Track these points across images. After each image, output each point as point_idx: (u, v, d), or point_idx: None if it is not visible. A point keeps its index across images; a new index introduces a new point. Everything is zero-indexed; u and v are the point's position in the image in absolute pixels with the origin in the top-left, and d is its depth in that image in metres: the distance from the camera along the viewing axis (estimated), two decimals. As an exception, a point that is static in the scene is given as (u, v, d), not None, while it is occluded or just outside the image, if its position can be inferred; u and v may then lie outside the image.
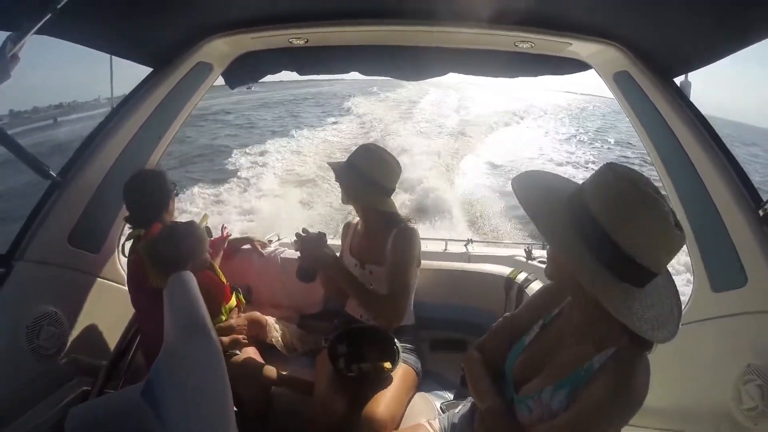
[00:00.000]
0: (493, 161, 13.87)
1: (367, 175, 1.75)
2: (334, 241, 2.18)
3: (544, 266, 2.05)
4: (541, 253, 2.30)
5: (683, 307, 1.68)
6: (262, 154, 14.12)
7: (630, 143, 19.42)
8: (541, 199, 0.98)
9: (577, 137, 22.25)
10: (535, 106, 33.56)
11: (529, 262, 2.21)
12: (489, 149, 15.62)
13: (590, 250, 0.88)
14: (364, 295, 1.73)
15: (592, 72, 1.89)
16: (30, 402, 1.59)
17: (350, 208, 1.99)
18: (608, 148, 20.11)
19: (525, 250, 2.31)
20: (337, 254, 1.96)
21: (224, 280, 1.93)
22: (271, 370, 1.78)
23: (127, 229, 1.84)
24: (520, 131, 21.34)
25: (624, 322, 0.85)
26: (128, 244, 1.80)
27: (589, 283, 0.87)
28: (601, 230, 0.87)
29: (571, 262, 0.90)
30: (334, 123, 20.66)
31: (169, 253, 1.60)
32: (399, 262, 1.74)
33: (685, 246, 1.02)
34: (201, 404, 0.92)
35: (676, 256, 0.90)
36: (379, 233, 1.83)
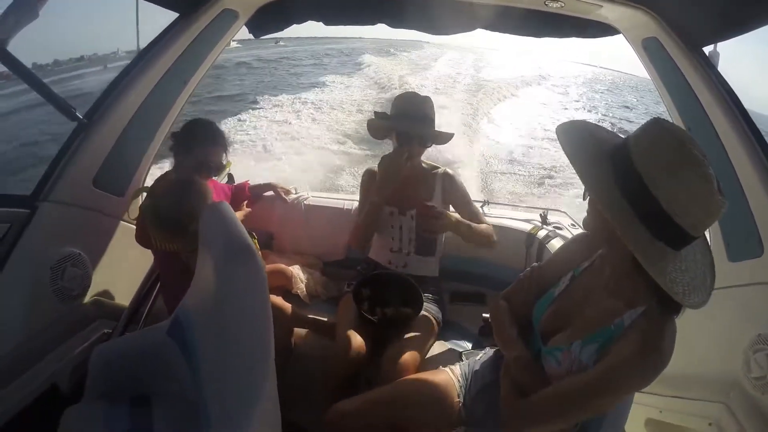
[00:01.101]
0: (510, 124, 13.94)
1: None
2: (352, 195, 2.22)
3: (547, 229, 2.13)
4: (556, 219, 2.33)
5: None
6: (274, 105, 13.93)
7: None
8: (585, 147, 0.96)
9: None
10: (552, 74, 33.25)
11: (544, 227, 2.23)
12: (506, 112, 15.69)
13: (630, 203, 0.87)
14: (470, 230, 1.84)
15: (618, 39, 1.88)
16: (53, 342, 1.62)
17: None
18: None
19: (540, 215, 2.33)
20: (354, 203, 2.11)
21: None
22: (294, 312, 1.82)
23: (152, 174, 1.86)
24: (536, 96, 21.28)
25: (657, 280, 0.85)
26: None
27: (626, 236, 0.86)
28: (642, 184, 0.86)
29: (609, 213, 0.89)
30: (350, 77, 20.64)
31: (171, 221, 1.49)
32: (464, 195, 1.99)
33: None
34: (241, 335, 0.92)
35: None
36: (423, 179, 1.99)
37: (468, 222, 1.84)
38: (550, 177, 9.07)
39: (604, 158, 0.94)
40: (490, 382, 1.32)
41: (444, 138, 1.96)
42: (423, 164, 2.03)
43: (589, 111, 21.18)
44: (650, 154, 0.87)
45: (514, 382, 1.14)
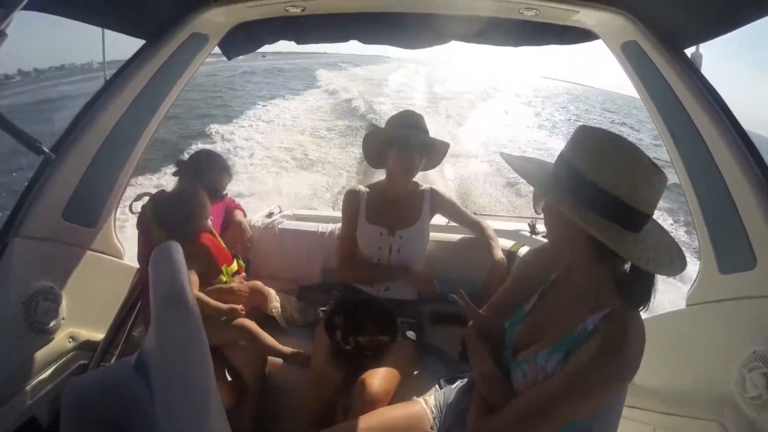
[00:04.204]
0: (478, 136, 13.88)
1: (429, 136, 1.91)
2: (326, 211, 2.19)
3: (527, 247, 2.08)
4: (544, 229, 2.26)
5: (689, 288, 1.65)
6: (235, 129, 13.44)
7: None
8: (530, 164, 1.06)
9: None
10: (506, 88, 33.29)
11: (533, 236, 2.19)
12: (471, 125, 15.70)
13: (578, 198, 0.92)
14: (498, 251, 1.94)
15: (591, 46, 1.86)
16: (30, 376, 1.60)
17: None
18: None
19: (529, 224, 2.29)
20: (333, 225, 2.17)
21: (224, 245, 1.96)
22: (269, 339, 1.80)
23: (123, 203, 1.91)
24: (495, 109, 21.23)
25: (623, 254, 0.88)
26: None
27: (583, 223, 0.89)
28: (583, 176, 0.92)
29: (564, 208, 0.92)
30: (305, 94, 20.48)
31: (170, 216, 1.70)
32: (453, 205, 2.09)
33: (693, 226, 1.07)
34: (183, 377, 0.89)
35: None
36: (411, 197, 2.01)
37: (495, 257, 1.90)
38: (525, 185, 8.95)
39: (549, 169, 1.03)
40: (463, 410, 1.27)
41: (441, 149, 1.96)
42: (411, 182, 2.02)
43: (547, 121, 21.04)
44: (582, 150, 0.96)
45: (483, 403, 1.11)
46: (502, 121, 18.35)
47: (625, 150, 0.91)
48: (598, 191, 0.90)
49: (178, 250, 1.03)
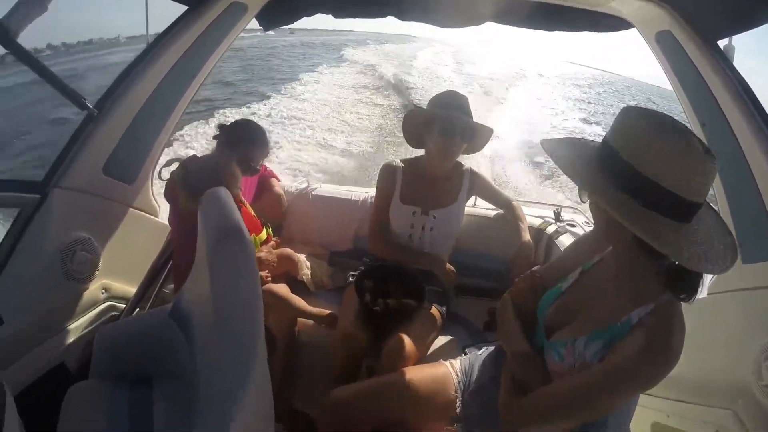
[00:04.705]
0: (511, 119, 13.74)
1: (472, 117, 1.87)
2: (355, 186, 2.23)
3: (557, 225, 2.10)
4: (570, 216, 2.29)
5: (711, 277, 1.66)
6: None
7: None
8: (570, 152, 0.99)
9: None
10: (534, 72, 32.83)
11: (558, 224, 2.20)
12: (506, 107, 15.49)
13: (621, 189, 0.87)
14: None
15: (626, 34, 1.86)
16: (62, 322, 1.67)
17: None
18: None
19: (554, 211, 2.29)
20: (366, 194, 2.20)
21: (254, 214, 1.97)
22: (298, 301, 1.84)
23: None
24: (525, 93, 20.92)
25: (666, 252, 0.82)
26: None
27: (624, 219, 0.84)
28: (625, 164, 0.86)
29: (603, 201, 0.88)
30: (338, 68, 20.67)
31: (200, 183, 1.62)
32: (490, 187, 2.08)
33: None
34: (231, 316, 0.92)
35: None
36: (450, 177, 1.99)
37: (523, 239, 1.91)
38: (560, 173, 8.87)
39: (590, 154, 0.96)
40: (489, 378, 1.30)
41: (484, 134, 1.94)
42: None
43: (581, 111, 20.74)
44: (624, 134, 0.89)
45: (514, 379, 1.11)
46: (533, 105, 18.10)
47: (674, 134, 0.83)
48: (642, 180, 0.84)
49: (227, 195, 1.07)
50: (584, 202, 1.02)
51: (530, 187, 8.30)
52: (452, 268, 1.90)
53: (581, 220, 2.28)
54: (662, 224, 0.85)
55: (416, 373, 1.37)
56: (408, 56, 27.38)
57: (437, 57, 29.85)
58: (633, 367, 0.88)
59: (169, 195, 1.80)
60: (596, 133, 14.57)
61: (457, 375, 1.36)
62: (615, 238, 0.99)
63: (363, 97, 14.59)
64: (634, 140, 0.87)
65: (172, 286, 1.92)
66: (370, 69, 20.21)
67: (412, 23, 1.98)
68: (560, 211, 2.30)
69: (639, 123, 0.88)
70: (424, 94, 14.69)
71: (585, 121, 17.09)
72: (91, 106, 1.66)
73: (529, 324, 1.18)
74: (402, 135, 2.00)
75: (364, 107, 13.13)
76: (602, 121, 16.97)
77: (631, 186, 0.86)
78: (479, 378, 1.33)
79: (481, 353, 1.42)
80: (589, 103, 23.34)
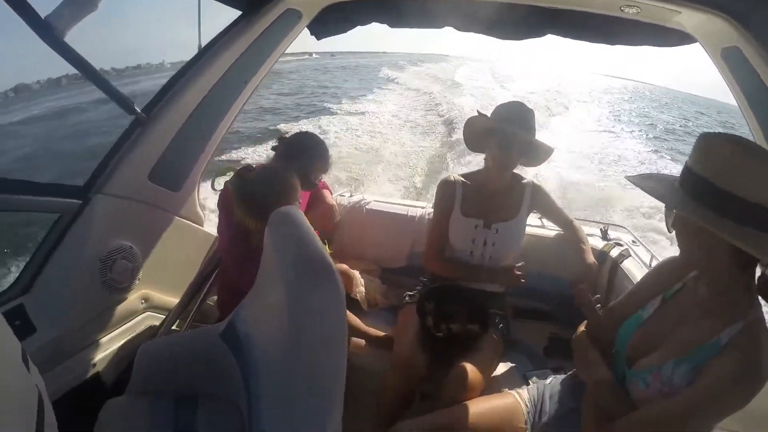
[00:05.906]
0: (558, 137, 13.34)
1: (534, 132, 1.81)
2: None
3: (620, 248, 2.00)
4: (616, 234, 2.20)
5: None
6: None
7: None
8: (656, 185, 1.03)
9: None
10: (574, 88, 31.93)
11: (617, 246, 2.10)
12: (554, 125, 15.04)
13: (715, 210, 0.90)
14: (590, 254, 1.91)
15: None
16: (98, 332, 1.62)
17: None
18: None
19: (601, 230, 2.21)
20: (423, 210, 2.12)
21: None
22: (353, 319, 1.78)
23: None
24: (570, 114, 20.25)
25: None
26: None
27: (725, 234, 0.87)
28: (716, 187, 0.90)
29: (704, 223, 0.90)
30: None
31: (257, 196, 1.54)
32: (552, 204, 1.99)
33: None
34: (313, 359, 0.84)
35: None
36: (510, 190, 1.92)
37: (587, 260, 1.85)
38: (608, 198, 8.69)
39: (676, 186, 1.00)
40: (569, 410, 1.28)
41: (543, 152, 1.86)
42: (513, 175, 1.95)
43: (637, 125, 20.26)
44: (716, 165, 0.92)
45: (597, 409, 1.11)
46: (579, 126, 17.47)
47: (757, 153, 0.90)
48: (735, 200, 0.88)
49: (300, 214, 1.00)
50: (671, 232, 1.05)
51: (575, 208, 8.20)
52: (518, 271, 1.81)
53: (628, 239, 2.17)
54: (759, 237, 0.88)
55: (483, 405, 1.34)
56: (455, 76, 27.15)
57: (476, 74, 29.83)
58: (728, 387, 0.89)
59: (222, 204, 1.72)
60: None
61: (526, 405, 1.34)
62: (708, 259, 0.99)
63: (419, 116, 14.58)
64: (721, 164, 0.91)
65: (215, 297, 1.85)
66: (421, 92, 20.12)
67: (441, 40, 1.92)
68: (607, 229, 2.22)
69: (721, 147, 0.91)
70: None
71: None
72: (138, 110, 1.62)
73: (605, 355, 1.18)
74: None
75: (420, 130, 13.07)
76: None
77: (726, 207, 0.89)
78: (558, 410, 1.30)
79: (550, 382, 1.39)
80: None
